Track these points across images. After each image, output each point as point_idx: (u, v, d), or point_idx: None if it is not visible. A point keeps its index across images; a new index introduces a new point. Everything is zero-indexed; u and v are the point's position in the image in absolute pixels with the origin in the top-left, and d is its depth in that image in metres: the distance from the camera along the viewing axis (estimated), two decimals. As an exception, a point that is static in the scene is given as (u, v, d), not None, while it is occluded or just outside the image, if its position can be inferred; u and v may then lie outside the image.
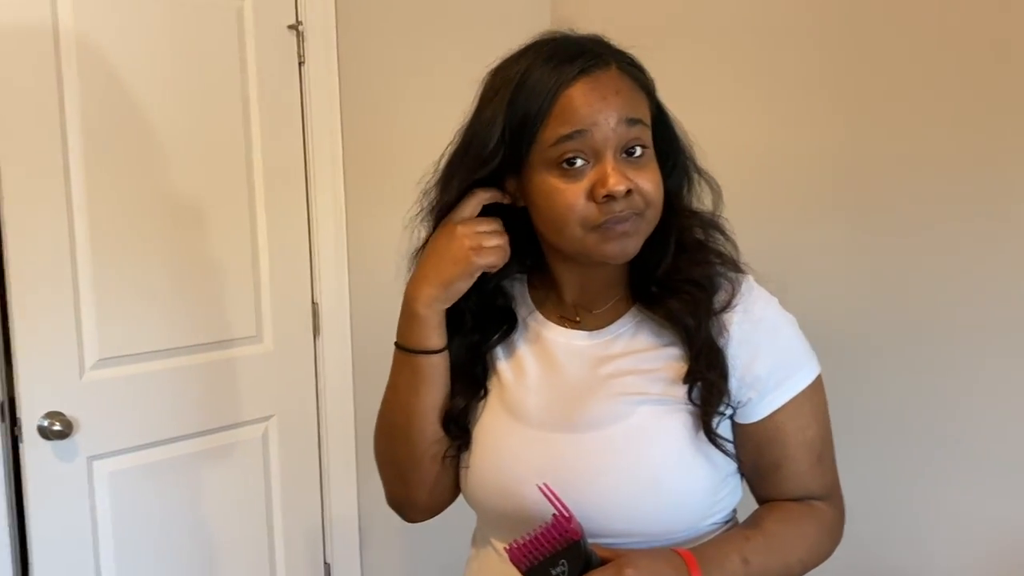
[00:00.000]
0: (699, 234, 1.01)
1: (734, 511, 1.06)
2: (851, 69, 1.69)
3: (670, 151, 1.02)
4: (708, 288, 0.98)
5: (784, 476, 1.01)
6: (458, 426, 1.05)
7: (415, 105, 2.25)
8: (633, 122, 0.94)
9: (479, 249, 0.98)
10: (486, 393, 1.06)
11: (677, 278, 0.98)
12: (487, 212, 1.02)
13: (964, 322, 1.60)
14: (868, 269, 1.69)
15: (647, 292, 1.00)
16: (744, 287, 0.99)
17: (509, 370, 1.05)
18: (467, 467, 1.05)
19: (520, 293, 1.10)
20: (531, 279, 1.10)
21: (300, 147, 2.16)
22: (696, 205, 1.05)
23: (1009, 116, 1.52)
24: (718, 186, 1.05)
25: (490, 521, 1.07)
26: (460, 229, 0.99)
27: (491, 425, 1.04)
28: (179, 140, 1.95)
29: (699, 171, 1.05)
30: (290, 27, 2.11)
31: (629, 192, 0.92)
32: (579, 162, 0.93)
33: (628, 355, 1.00)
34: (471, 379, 1.06)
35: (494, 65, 1.01)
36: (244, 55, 2.04)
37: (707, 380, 0.95)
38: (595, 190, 0.92)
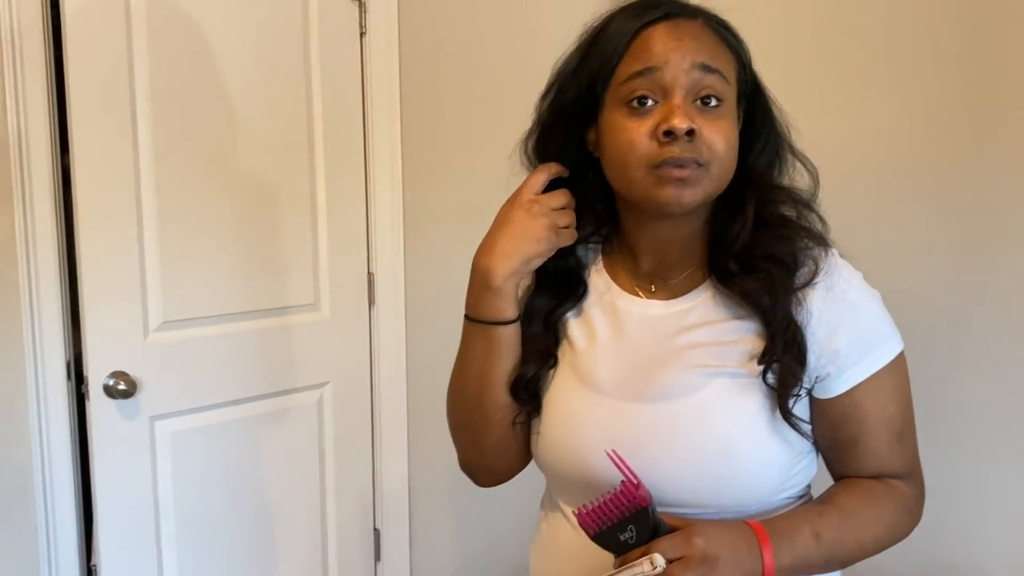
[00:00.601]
0: (784, 210, 0.99)
1: (808, 486, 1.04)
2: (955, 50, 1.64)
3: (763, 127, 1.00)
4: (789, 265, 0.95)
5: (862, 453, 0.98)
6: (528, 392, 1.06)
7: (474, 79, 2.26)
8: (709, 69, 0.92)
9: (556, 228, 1.00)
10: (556, 361, 1.06)
11: (756, 253, 0.96)
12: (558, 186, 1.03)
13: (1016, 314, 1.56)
14: (950, 257, 1.65)
15: (724, 268, 0.98)
16: (828, 261, 0.96)
17: (582, 338, 1.05)
18: (538, 433, 1.06)
19: (594, 261, 1.09)
20: (605, 248, 1.10)
21: (359, 119, 2.19)
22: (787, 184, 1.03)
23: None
24: (815, 169, 1.02)
25: (560, 486, 1.08)
26: (537, 208, 1.00)
27: (563, 392, 1.04)
28: (243, 110, 1.98)
29: (794, 152, 1.02)
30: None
31: (691, 133, 0.90)
32: (649, 102, 0.92)
33: (704, 326, 0.98)
34: (542, 346, 1.06)
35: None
36: (307, 27, 2.06)
37: (783, 363, 0.93)
38: (658, 128, 0.91)
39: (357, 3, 2.13)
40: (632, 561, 0.85)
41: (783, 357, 0.93)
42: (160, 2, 1.84)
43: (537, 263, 1.02)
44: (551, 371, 1.06)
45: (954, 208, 1.63)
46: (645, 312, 1.02)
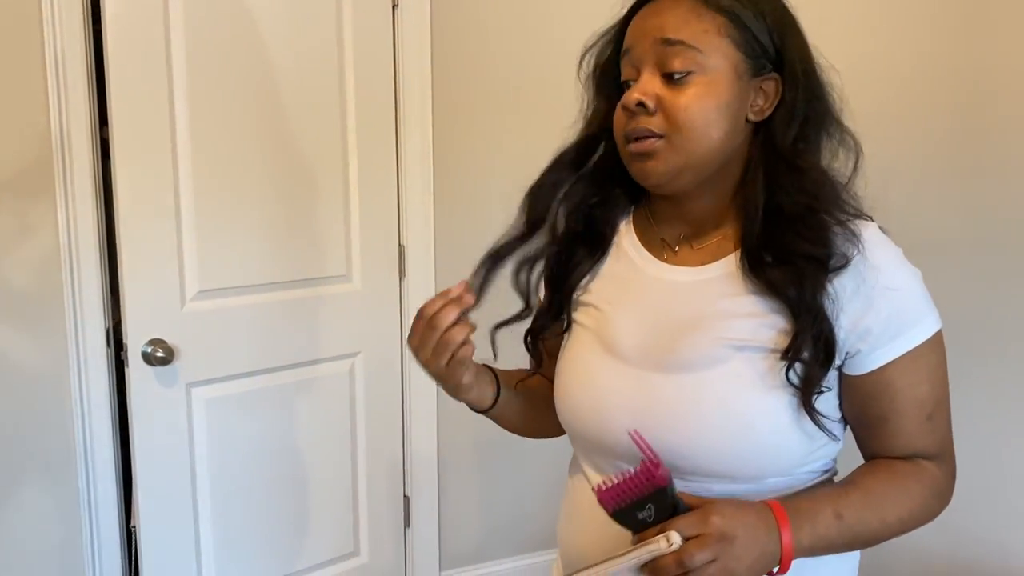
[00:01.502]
0: (809, 196, 0.95)
1: (834, 460, 1.03)
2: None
3: (792, 95, 0.96)
4: (822, 259, 0.92)
5: (891, 431, 0.97)
6: (538, 345, 1.13)
7: (506, 52, 2.26)
8: (669, 42, 0.94)
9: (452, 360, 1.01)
10: (569, 323, 1.09)
11: (789, 246, 0.93)
12: (607, 163, 1.06)
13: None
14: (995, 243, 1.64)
15: (755, 255, 0.96)
16: (866, 235, 0.94)
17: (606, 301, 1.06)
18: (559, 391, 1.09)
19: (625, 226, 1.10)
20: (637, 209, 1.11)
21: (391, 92, 2.20)
22: (828, 162, 0.99)
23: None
24: (859, 146, 0.99)
25: (581, 446, 1.10)
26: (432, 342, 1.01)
27: (586, 357, 1.05)
28: (277, 83, 2.00)
29: (840, 126, 0.99)
30: (385, -28, 2.13)
31: (643, 106, 0.93)
32: (631, 82, 0.98)
33: (732, 297, 0.97)
34: (557, 305, 1.10)
35: None
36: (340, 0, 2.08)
37: (805, 363, 0.91)
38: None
39: (389, -24, 2.14)
40: (649, 539, 0.85)
41: (807, 357, 0.91)
42: (196, -24, 1.86)
43: (451, 385, 1.05)
44: (567, 333, 1.10)
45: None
46: (673, 278, 1.02)
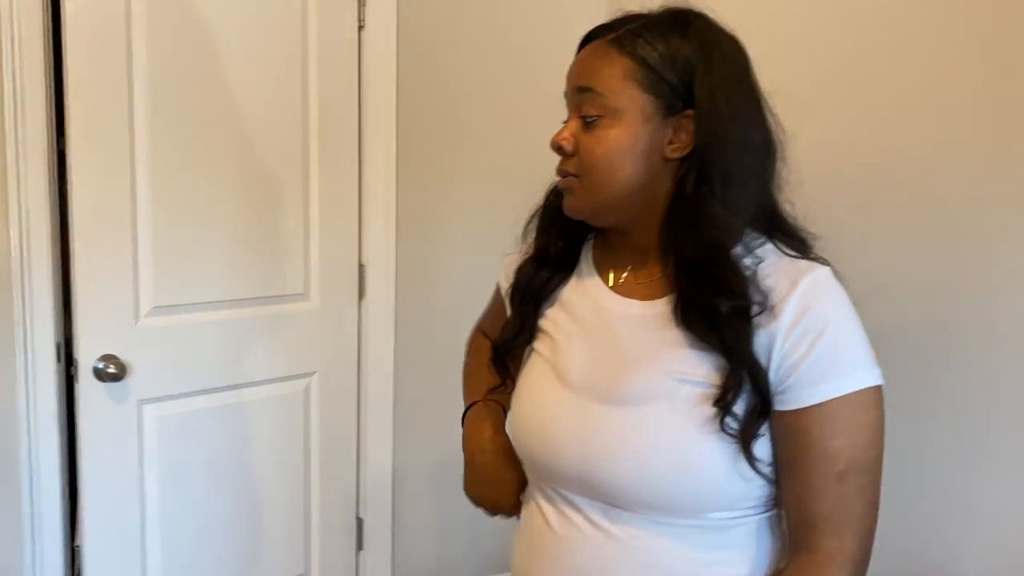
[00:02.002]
0: (719, 235, 0.95)
1: (774, 500, 1.00)
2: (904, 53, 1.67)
3: (701, 135, 0.95)
4: (740, 311, 0.92)
5: (797, 479, 0.93)
6: (506, 361, 1.16)
7: (472, 75, 2.28)
8: (581, 90, 1.00)
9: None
10: (533, 338, 1.12)
11: (707, 302, 0.93)
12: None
13: (995, 321, 1.59)
14: (899, 264, 1.68)
15: (686, 302, 0.96)
16: (810, 277, 0.93)
17: (560, 329, 1.08)
18: (513, 414, 1.11)
19: (585, 255, 1.13)
20: (598, 238, 1.13)
21: (355, 112, 2.20)
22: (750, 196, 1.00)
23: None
24: (792, 178, 1.01)
25: (533, 473, 1.11)
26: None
27: (537, 383, 1.08)
28: (240, 99, 1.99)
29: (774, 158, 1.00)
30: (352, -8, 2.14)
31: (560, 149, 1.02)
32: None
33: (678, 330, 0.97)
34: (530, 322, 1.13)
35: None
36: (306, 20, 2.07)
37: (739, 413, 0.92)
38: None
39: (356, -3, 2.15)
40: None
41: (743, 405, 0.92)
42: (160, -11, 1.85)
43: None
44: (530, 357, 1.12)
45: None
46: (623, 311, 1.04)
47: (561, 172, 1.04)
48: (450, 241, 2.30)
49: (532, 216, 1.15)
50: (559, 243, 1.12)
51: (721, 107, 0.95)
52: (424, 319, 2.33)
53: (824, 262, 0.98)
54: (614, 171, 0.98)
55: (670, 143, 0.97)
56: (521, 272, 1.15)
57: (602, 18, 1.05)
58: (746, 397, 0.92)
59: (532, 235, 1.15)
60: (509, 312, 1.17)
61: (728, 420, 0.91)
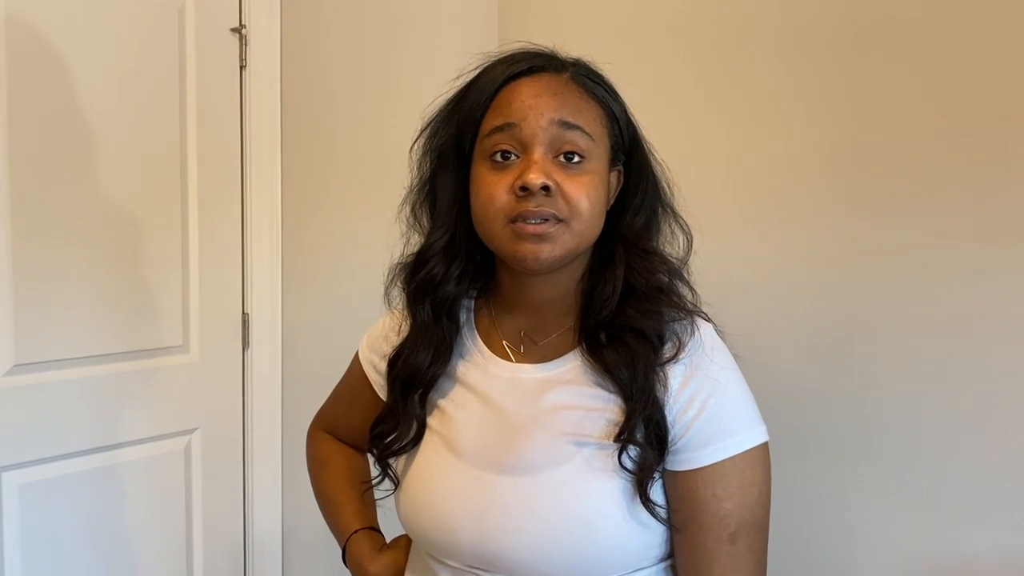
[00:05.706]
0: (657, 279, 0.97)
1: (670, 555, 0.99)
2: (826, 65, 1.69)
3: (639, 186, 1.00)
4: (653, 341, 0.92)
5: (691, 543, 0.93)
6: (389, 457, 1.05)
7: (358, 115, 2.22)
8: (568, 126, 0.92)
9: None
10: (420, 430, 1.03)
11: (622, 324, 0.93)
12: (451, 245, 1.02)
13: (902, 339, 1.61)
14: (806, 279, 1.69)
15: (593, 336, 0.95)
16: (696, 337, 0.94)
17: (450, 401, 1.02)
18: (402, 492, 1.03)
19: (467, 321, 1.06)
20: (478, 305, 1.07)
21: (238, 154, 2.11)
22: (662, 247, 1.02)
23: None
24: (690, 232, 1.02)
25: (426, 551, 1.04)
26: None
27: (430, 458, 1.01)
28: (111, 141, 1.88)
29: (673, 214, 1.03)
30: (233, 30, 2.06)
31: (547, 189, 0.90)
32: (512, 156, 0.93)
33: (572, 392, 0.95)
34: (419, 415, 1.04)
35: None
36: (184, 57, 1.99)
37: (638, 446, 0.90)
38: (516, 183, 0.91)
39: (238, 35, 2.07)
40: None
41: (640, 439, 0.90)
42: (18, 22, 1.73)
43: None
44: (417, 437, 1.04)
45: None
46: (514, 376, 0.99)
47: (543, 215, 0.90)
48: (339, 285, 2.22)
49: (391, 278, 1.06)
50: (442, 318, 1.03)
51: (648, 160, 1.01)
52: (313, 369, 2.23)
53: (706, 317, 0.99)
54: (596, 216, 0.95)
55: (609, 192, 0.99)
56: (401, 360, 1.04)
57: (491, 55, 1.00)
58: (642, 431, 0.91)
59: (396, 301, 1.06)
60: (387, 400, 1.07)
61: (626, 455, 0.90)
